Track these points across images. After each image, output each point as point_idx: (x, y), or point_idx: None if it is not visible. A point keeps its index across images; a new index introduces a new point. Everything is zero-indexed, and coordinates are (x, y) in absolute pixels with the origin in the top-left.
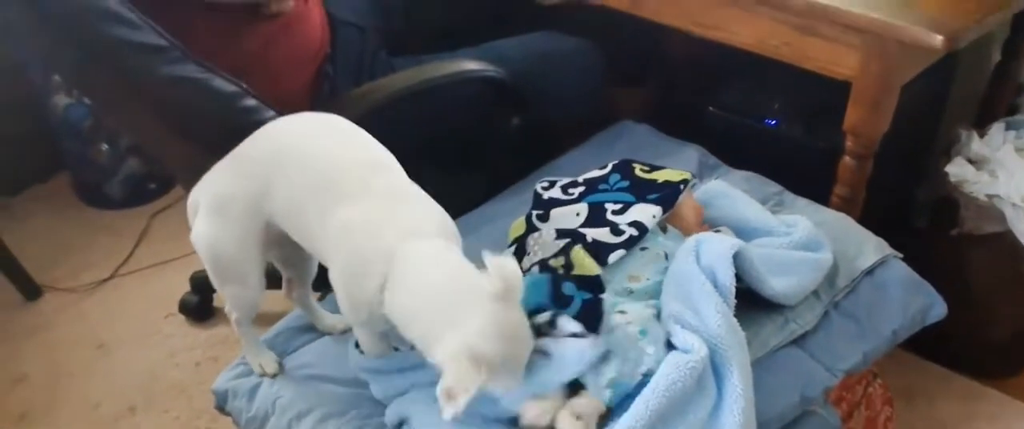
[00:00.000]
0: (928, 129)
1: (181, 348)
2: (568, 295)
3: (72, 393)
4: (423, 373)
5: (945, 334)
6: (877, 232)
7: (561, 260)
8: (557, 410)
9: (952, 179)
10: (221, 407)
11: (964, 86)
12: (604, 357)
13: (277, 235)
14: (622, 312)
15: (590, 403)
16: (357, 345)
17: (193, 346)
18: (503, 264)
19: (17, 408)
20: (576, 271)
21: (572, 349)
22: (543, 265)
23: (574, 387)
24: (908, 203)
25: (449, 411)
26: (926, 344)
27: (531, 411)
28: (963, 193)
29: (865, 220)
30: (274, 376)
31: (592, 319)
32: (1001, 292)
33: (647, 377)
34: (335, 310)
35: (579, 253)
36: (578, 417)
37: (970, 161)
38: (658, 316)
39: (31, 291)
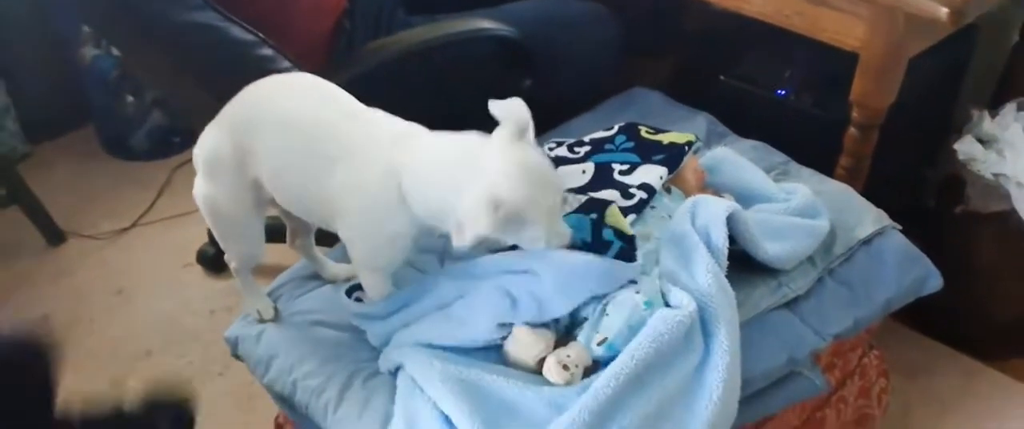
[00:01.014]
0: (943, 108)
1: (197, 297)
2: (607, 240)
3: (91, 336)
4: (416, 308)
5: (949, 312)
6: (886, 208)
7: (594, 214)
8: (546, 351)
9: (960, 157)
10: (235, 352)
11: (982, 66)
12: (603, 313)
13: (269, 195)
14: (633, 281)
15: (579, 354)
16: (348, 293)
17: (209, 295)
18: (508, 104)
19: None
20: (610, 223)
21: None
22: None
23: (565, 338)
24: (919, 181)
25: (455, 241)
26: (930, 321)
27: (523, 337)
28: (970, 171)
29: (876, 196)
30: (272, 321)
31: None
32: (1005, 271)
33: None
34: (341, 259)
35: (614, 210)
36: (565, 366)
37: (980, 140)
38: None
39: (55, 237)
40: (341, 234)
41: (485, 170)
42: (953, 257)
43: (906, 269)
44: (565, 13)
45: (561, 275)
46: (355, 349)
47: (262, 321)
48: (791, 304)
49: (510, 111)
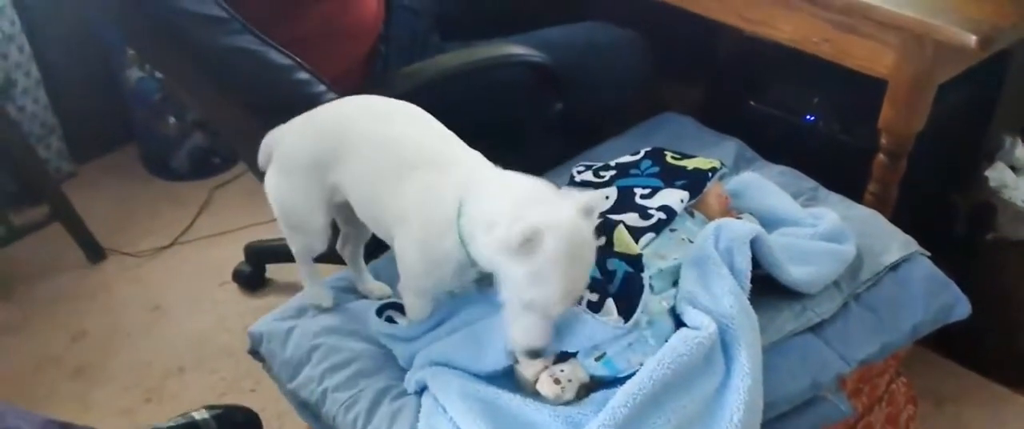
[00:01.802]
0: (974, 134)
1: (232, 314)
2: (611, 269)
3: (126, 351)
4: (441, 330)
5: (979, 339)
6: (916, 235)
7: (602, 240)
8: (545, 367)
9: (991, 184)
10: (255, 350)
11: (1013, 92)
12: None
13: (341, 198)
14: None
15: (573, 371)
16: (379, 312)
17: (243, 313)
18: (591, 193)
19: (74, 362)
20: (617, 248)
21: (596, 322)
22: None
23: (564, 353)
24: (950, 208)
25: (481, 237)
26: (959, 348)
27: (526, 368)
28: (1001, 198)
29: (906, 223)
30: (327, 310)
31: (632, 292)
32: None
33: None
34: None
35: (621, 231)
36: (557, 382)
37: (1012, 168)
38: (672, 309)
39: (95, 254)
40: (398, 248)
41: (543, 215)
42: (984, 284)
43: (933, 295)
44: (597, 40)
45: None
46: (387, 366)
47: (316, 307)
48: (816, 328)
49: (589, 196)
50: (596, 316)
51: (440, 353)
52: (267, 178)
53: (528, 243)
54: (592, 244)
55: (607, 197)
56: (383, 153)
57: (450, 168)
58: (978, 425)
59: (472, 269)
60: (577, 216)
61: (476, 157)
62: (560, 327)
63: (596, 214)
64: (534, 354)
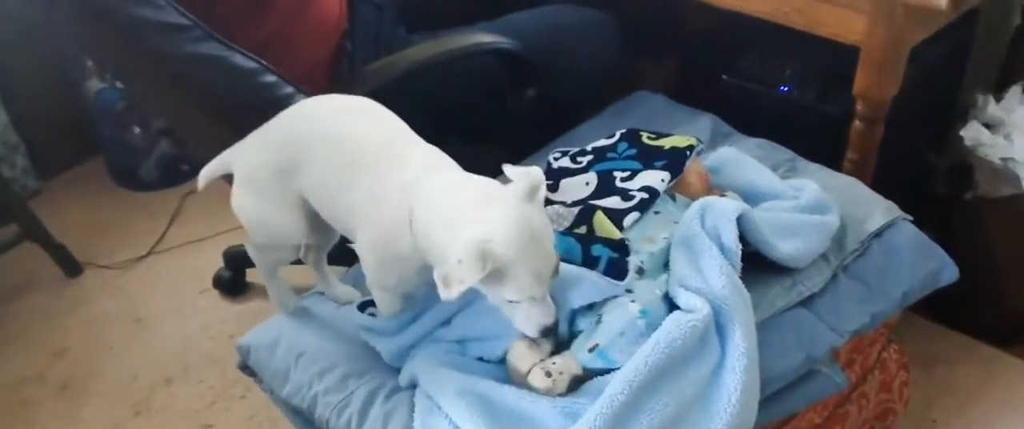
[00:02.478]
0: (947, 95)
1: (215, 321)
2: (596, 256)
3: (111, 365)
4: (420, 325)
5: (965, 300)
6: (897, 199)
7: (583, 228)
8: (541, 358)
9: (967, 143)
10: (244, 363)
11: (984, 50)
12: (598, 321)
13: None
14: (629, 290)
15: (566, 363)
16: (361, 307)
17: (226, 319)
18: (527, 169)
19: (59, 379)
20: (599, 234)
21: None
22: (567, 234)
23: (560, 346)
24: (929, 169)
25: (444, 294)
26: (947, 311)
27: (518, 349)
28: (977, 157)
29: (885, 187)
30: (296, 311)
31: (618, 277)
32: (1017, 256)
33: None
34: (356, 283)
35: (600, 217)
36: (549, 375)
37: (986, 125)
38: (665, 295)
39: (72, 268)
40: (356, 246)
41: (486, 218)
42: (965, 244)
43: (921, 261)
44: (564, 22)
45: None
46: (376, 365)
47: (286, 312)
48: (806, 302)
49: (526, 173)
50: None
51: (460, 331)
52: (233, 199)
53: (480, 263)
54: (542, 222)
55: (587, 183)
56: (337, 153)
57: (397, 169)
58: (969, 385)
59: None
60: (518, 206)
61: (426, 154)
62: (556, 290)
63: (541, 191)
64: (547, 332)
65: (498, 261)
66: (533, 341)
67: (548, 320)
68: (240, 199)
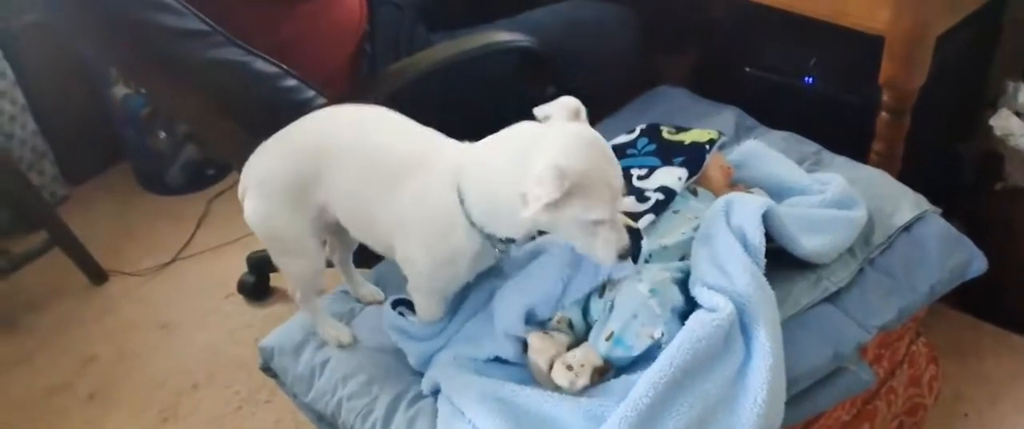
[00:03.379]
0: (976, 83)
1: (240, 326)
2: None
3: (138, 372)
4: (453, 326)
5: (995, 291)
6: (925, 190)
7: None
8: (557, 350)
9: (996, 132)
10: (266, 365)
11: (1013, 38)
12: (609, 307)
13: (330, 217)
14: (638, 272)
15: (586, 355)
16: (395, 305)
17: (251, 324)
18: (558, 100)
19: (87, 388)
20: None
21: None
22: None
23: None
24: (957, 159)
25: (523, 211)
26: (976, 301)
27: (537, 341)
28: (1008, 146)
29: (913, 178)
30: (348, 346)
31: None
32: None
33: (657, 347)
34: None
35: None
36: (570, 368)
37: (1017, 113)
38: (679, 281)
39: (97, 276)
40: (401, 255)
41: (547, 147)
42: (996, 234)
43: (949, 254)
44: (583, 17)
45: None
46: (399, 370)
47: (340, 346)
48: (832, 298)
49: (561, 102)
50: None
51: (458, 347)
52: (247, 207)
53: (559, 180)
54: (597, 135)
55: None
56: (368, 165)
57: (434, 162)
58: (1000, 376)
59: (494, 251)
60: (570, 128)
61: (453, 145)
62: (574, 260)
63: (582, 112)
64: (625, 255)
65: (575, 175)
66: (546, 333)
67: (626, 241)
68: (253, 206)
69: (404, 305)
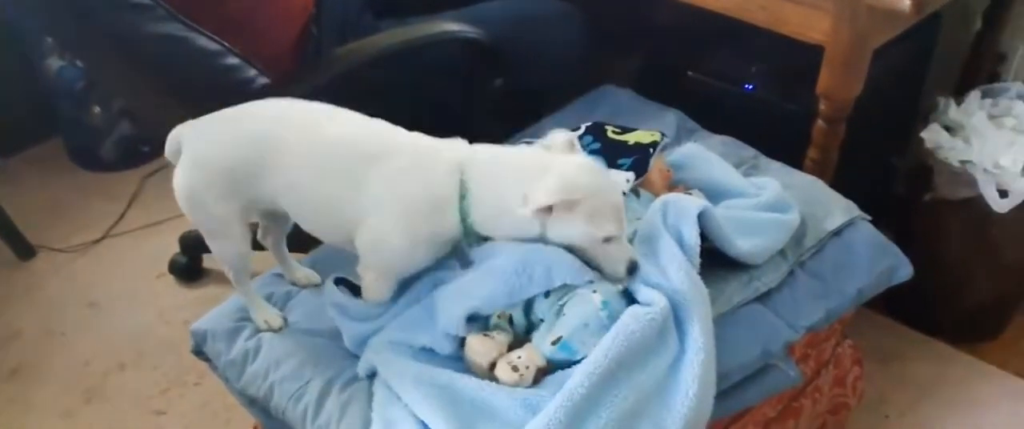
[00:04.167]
0: (910, 97)
1: (170, 307)
2: None
3: (64, 350)
4: (393, 311)
5: (921, 298)
6: (857, 198)
7: None
8: (499, 351)
9: (927, 145)
10: (198, 349)
11: (946, 54)
12: (560, 313)
13: (266, 207)
14: (590, 281)
15: (530, 357)
16: (338, 281)
17: (182, 305)
18: (553, 132)
19: (9, 364)
20: None
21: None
22: None
23: (522, 340)
24: (890, 170)
25: (521, 210)
26: (902, 308)
27: (477, 344)
28: (937, 159)
29: (846, 186)
30: (279, 330)
31: None
32: (973, 257)
33: None
34: (314, 266)
35: None
36: (515, 369)
37: (946, 128)
38: (624, 292)
39: (25, 251)
40: (370, 236)
41: (560, 167)
42: (923, 244)
43: (876, 259)
44: (532, 12)
45: (516, 259)
46: (333, 354)
47: (269, 329)
48: (763, 298)
49: (557, 135)
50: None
51: (395, 332)
52: (177, 180)
53: (565, 191)
54: (597, 165)
55: None
56: (328, 155)
57: (420, 149)
58: (922, 381)
59: (463, 242)
60: (570, 157)
61: (415, 139)
62: (527, 266)
63: (577, 143)
64: (634, 268)
65: (585, 195)
66: (487, 335)
67: (635, 256)
68: (185, 180)
69: (346, 285)
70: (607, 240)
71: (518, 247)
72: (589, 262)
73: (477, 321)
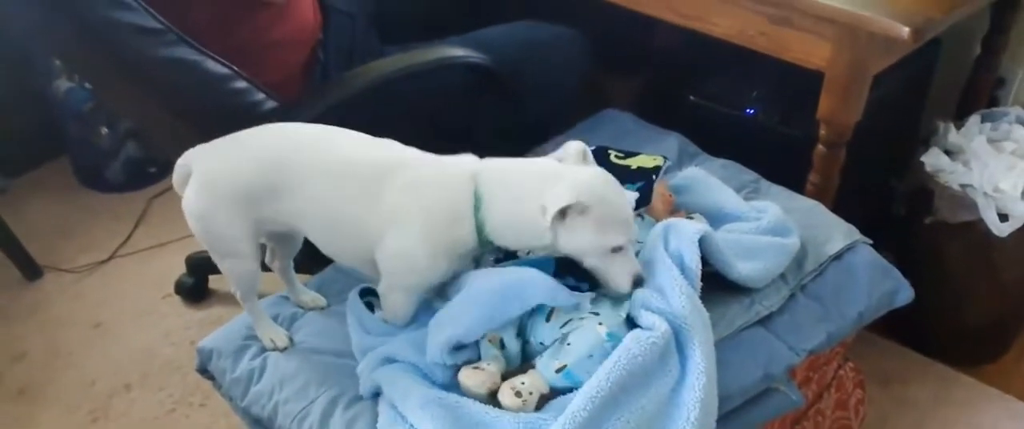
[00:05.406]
0: (910, 121)
1: (176, 328)
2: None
3: (70, 370)
4: (396, 343)
5: (923, 321)
6: (858, 221)
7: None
8: (493, 382)
9: (927, 169)
10: (203, 367)
11: (946, 79)
12: (565, 341)
13: (276, 228)
14: (596, 313)
15: (534, 383)
16: (362, 294)
17: (188, 326)
18: (566, 144)
19: (16, 384)
20: None
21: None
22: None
23: (524, 366)
24: (891, 193)
25: (542, 220)
26: (904, 330)
27: (468, 379)
28: (937, 182)
29: (847, 209)
30: (284, 350)
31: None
32: (974, 280)
33: None
34: (321, 289)
35: None
36: (519, 394)
37: (946, 152)
38: (629, 323)
39: (32, 271)
40: (392, 250)
41: (571, 176)
42: (924, 266)
43: (877, 283)
44: (535, 38)
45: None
46: (338, 373)
47: (274, 349)
48: (765, 321)
49: (569, 146)
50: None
51: (401, 351)
52: (187, 201)
53: (575, 192)
54: (611, 176)
55: None
56: (342, 173)
57: (435, 160)
58: (924, 404)
59: (480, 251)
60: (582, 166)
61: (430, 154)
62: (503, 289)
63: (589, 154)
64: (639, 282)
65: (592, 197)
66: (477, 368)
67: (639, 269)
68: (195, 203)
69: (372, 295)
70: (615, 251)
71: (493, 272)
72: (595, 275)
73: (466, 348)
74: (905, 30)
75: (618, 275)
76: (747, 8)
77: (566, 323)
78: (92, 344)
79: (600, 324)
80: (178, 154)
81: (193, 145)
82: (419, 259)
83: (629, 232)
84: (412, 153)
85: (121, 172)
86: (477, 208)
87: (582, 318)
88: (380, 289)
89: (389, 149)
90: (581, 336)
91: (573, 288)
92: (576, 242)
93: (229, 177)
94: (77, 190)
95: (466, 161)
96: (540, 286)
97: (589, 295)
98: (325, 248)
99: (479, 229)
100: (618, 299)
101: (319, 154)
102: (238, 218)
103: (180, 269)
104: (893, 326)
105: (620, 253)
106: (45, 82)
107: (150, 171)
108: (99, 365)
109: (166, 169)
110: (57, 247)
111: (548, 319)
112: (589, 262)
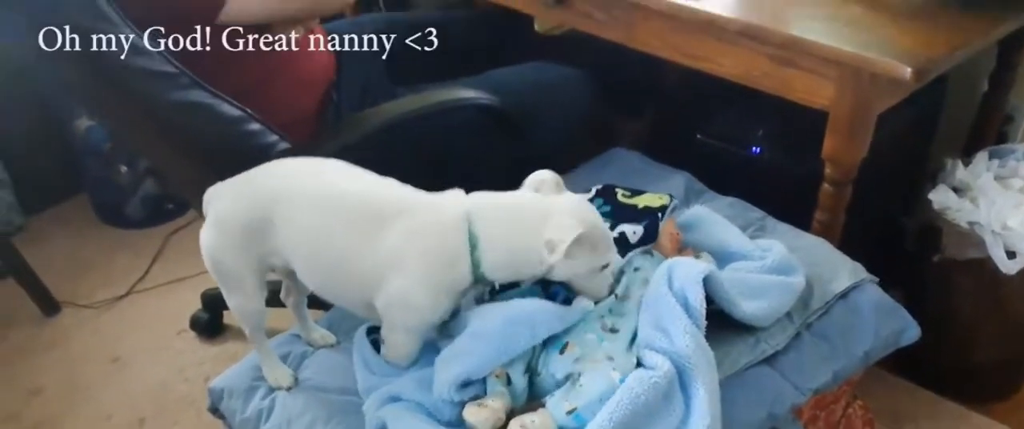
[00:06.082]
0: (918, 157)
1: (191, 363)
2: (554, 292)
3: (86, 405)
4: (401, 381)
5: (933, 358)
6: (865, 258)
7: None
8: (497, 418)
9: (935, 206)
10: (214, 407)
11: (954, 115)
12: (577, 382)
13: (280, 263)
14: (610, 358)
15: (543, 421)
16: (368, 332)
17: (203, 361)
18: (538, 174)
19: (33, 418)
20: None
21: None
22: None
23: (533, 404)
24: (899, 230)
25: (551, 258)
26: (915, 368)
27: (472, 416)
28: (945, 220)
29: (854, 246)
30: (288, 390)
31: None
32: (983, 317)
33: None
34: (331, 326)
35: None
36: None
37: (954, 189)
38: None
39: (50, 307)
40: (385, 296)
41: (560, 207)
42: (933, 304)
43: (883, 321)
44: (544, 79)
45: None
46: (342, 411)
47: (278, 388)
48: (770, 360)
49: (541, 176)
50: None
51: (407, 390)
52: (201, 237)
53: (579, 225)
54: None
55: None
56: (338, 210)
57: (433, 202)
58: None
59: (476, 288)
60: (562, 195)
61: (423, 193)
62: (512, 325)
63: (560, 182)
64: (610, 291)
65: (589, 229)
66: (482, 404)
67: (612, 280)
68: (207, 237)
69: (380, 333)
70: (604, 267)
71: (497, 307)
72: (576, 288)
73: (473, 384)
74: (908, 71)
75: (600, 288)
76: (751, 49)
77: (579, 359)
78: (109, 379)
79: (614, 370)
80: (193, 194)
81: (208, 185)
82: (422, 303)
83: (614, 249)
84: (407, 194)
85: (140, 209)
86: (473, 247)
87: (596, 360)
88: (383, 333)
89: (387, 189)
90: (594, 380)
91: (560, 298)
92: (575, 268)
93: (232, 214)
94: (96, 226)
95: (457, 200)
96: (548, 316)
97: (590, 303)
98: (313, 284)
99: (475, 267)
100: (630, 341)
101: (315, 188)
102: (242, 253)
103: (196, 305)
104: (903, 364)
105: (607, 269)
106: (66, 121)
107: (168, 208)
108: (116, 400)
109: (183, 206)
110: (76, 283)
111: (562, 352)
112: (578, 282)
